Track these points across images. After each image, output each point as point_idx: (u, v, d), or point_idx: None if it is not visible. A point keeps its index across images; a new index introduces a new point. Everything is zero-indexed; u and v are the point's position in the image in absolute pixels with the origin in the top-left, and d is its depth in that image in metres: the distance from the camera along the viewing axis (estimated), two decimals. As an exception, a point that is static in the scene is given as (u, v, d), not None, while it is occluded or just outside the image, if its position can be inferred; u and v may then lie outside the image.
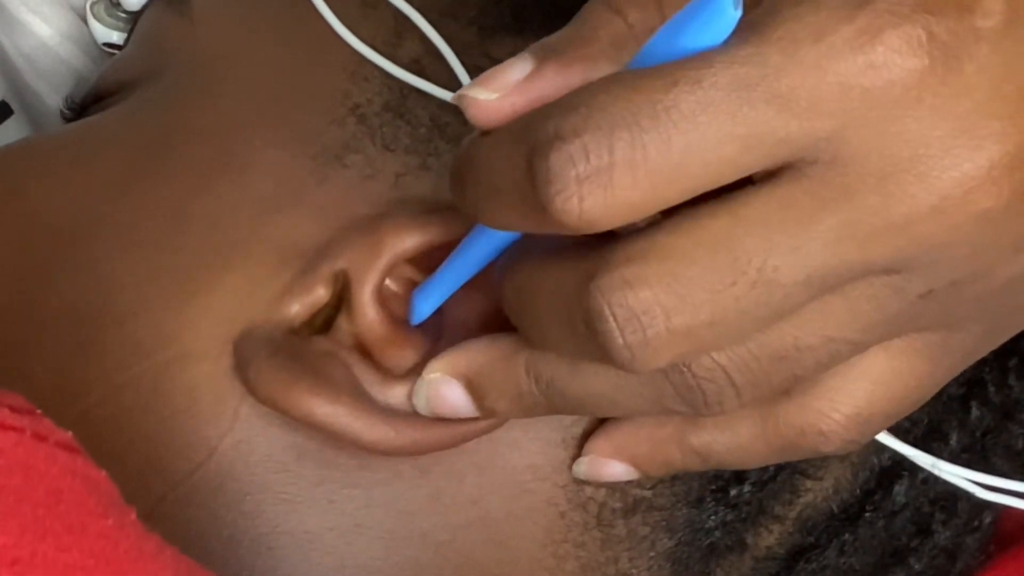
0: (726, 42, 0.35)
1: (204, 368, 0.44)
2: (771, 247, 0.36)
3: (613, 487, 0.46)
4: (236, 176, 0.46)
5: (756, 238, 0.36)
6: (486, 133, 0.37)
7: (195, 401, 0.44)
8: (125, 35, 0.56)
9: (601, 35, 0.38)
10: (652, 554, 0.46)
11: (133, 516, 0.36)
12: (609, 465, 0.44)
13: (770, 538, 0.48)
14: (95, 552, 0.34)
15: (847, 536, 0.48)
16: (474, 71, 0.46)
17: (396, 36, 0.47)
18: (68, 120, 0.55)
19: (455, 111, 0.46)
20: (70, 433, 0.36)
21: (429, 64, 0.46)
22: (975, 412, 0.49)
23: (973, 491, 0.47)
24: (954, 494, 0.49)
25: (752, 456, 0.42)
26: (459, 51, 0.46)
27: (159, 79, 0.49)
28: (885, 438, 0.46)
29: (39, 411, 0.36)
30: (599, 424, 0.45)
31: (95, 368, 0.45)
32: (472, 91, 0.38)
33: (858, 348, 0.39)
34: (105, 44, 0.58)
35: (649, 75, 0.35)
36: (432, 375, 0.42)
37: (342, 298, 0.44)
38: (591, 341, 0.37)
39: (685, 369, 0.38)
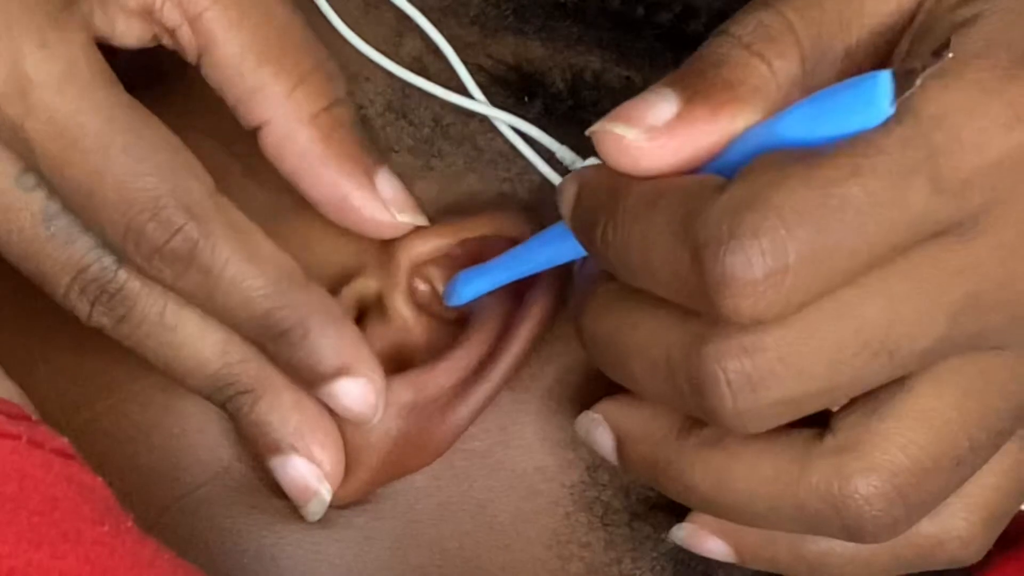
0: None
1: None
2: (896, 320, 0.36)
3: (618, 486, 0.45)
4: (239, 182, 0.45)
5: (881, 310, 0.35)
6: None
7: (210, 420, 0.44)
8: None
9: (745, 79, 0.37)
10: (655, 554, 0.46)
11: (129, 522, 0.36)
12: (711, 541, 0.43)
13: (772, 538, 0.48)
14: (91, 559, 0.34)
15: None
16: (475, 70, 0.46)
17: (397, 36, 0.46)
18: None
19: (457, 111, 0.45)
20: (66, 439, 0.36)
21: (431, 63, 0.46)
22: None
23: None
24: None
25: (874, 570, 0.41)
26: (460, 50, 0.46)
27: (161, 85, 0.49)
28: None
29: (35, 418, 0.35)
30: None
31: (103, 377, 0.45)
32: (613, 125, 0.37)
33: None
34: (107, 45, 0.58)
35: (821, 165, 0.35)
36: (596, 415, 0.42)
37: (367, 307, 0.44)
38: (695, 398, 0.36)
39: None
